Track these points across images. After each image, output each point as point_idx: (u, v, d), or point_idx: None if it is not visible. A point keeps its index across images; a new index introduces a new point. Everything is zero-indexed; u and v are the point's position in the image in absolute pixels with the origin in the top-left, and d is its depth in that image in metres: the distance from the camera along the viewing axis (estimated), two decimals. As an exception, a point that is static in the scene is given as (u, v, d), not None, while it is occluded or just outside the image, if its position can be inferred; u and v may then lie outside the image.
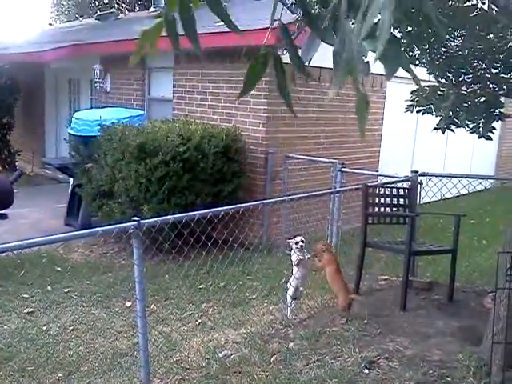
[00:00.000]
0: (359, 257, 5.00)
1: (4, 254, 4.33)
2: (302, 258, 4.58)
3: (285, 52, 1.64)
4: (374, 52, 1.29)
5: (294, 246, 4.69)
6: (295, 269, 4.63)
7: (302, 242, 4.67)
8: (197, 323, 4.74)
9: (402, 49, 1.38)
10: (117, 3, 22.22)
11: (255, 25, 6.62)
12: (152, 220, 3.63)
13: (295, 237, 4.76)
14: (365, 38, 1.29)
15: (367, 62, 1.40)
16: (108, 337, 4.49)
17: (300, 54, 1.61)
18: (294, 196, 5.25)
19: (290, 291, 4.62)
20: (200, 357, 4.03)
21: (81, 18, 19.33)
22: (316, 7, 2.92)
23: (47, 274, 5.83)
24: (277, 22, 1.61)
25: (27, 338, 4.41)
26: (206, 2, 1.55)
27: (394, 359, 3.68)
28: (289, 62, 1.63)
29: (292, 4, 3.75)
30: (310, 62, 1.60)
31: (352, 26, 1.38)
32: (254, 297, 5.31)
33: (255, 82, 1.62)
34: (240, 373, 3.71)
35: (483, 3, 3.96)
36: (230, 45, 7.11)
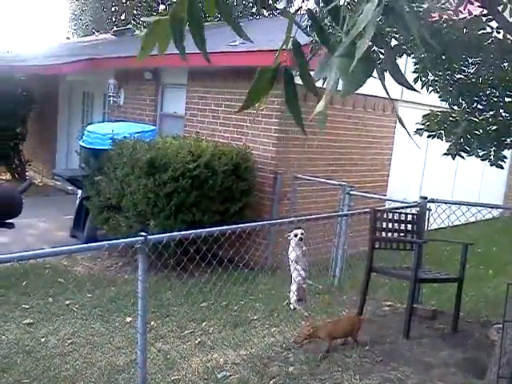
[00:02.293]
0: (364, 282, 4.94)
1: (8, 264, 4.31)
2: (300, 253, 4.49)
3: (297, 72, 1.63)
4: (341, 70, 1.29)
5: (293, 239, 4.61)
6: (293, 266, 4.55)
7: (302, 234, 4.57)
8: (196, 342, 4.67)
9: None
10: (133, 19, 22.54)
11: (271, 45, 6.68)
12: (159, 236, 3.60)
13: (295, 230, 4.69)
14: (341, 56, 1.29)
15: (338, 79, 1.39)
16: (106, 352, 4.43)
17: (313, 74, 1.60)
18: (301, 218, 5.22)
19: (294, 288, 4.58)
20: (198, 377, 3.97)
21: (97, 33, 19.62)
22: (329, 27, 2.92)
23: (50, 285, 5.81)
24: (291, 39, 1.60)
25: (25, 350, 4.36)
26: (218, 11, 1.55)
27: (395, 389, 3.60)
28: (301, 82, 1.62)
29: (307, 27, 3.77)
30: (324, 81, 1.58)
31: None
32: (255, 317, 5.24)
33: (260, 97, 1.59)
34: (238, 395, 3.65)
35: (498, 32, 3.97)
36: (244, 64, 7.18)
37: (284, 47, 1.56)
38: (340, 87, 1.34)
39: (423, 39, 1.45)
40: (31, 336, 4.66)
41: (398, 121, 1.46)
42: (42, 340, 4.60)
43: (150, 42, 1.53)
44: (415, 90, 1.46)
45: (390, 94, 1.37)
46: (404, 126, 1.46)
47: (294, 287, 4.57)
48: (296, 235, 4.57)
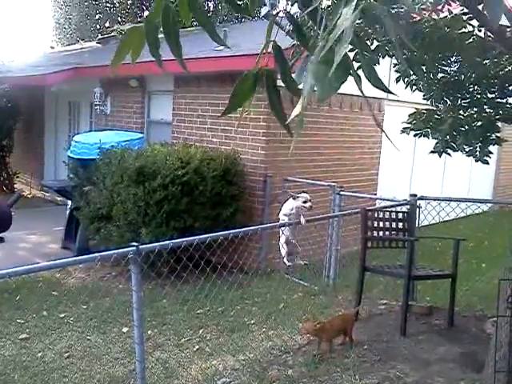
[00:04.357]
0: (358, 282, 4.96)
1: (1, 280, 4.28)
2: (294, 216, 4.32)
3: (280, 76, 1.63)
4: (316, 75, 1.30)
5: (300, 205, 4.28)
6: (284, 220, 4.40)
7: (311, 202, 4.32)
8: (194, 349, 4.67)
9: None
10: (118, 28, 22.45)
11: (256, 49, 6.70)
12: (151, 245, 3.60)
13: (300, 193, 4.43)
14: (321, 62, 1.30)
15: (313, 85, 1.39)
16: (104, 363, 4.41)
17: (295, 76, 1.60)
18: (293, 221, 5.23)
19: (282, 241, 4.52)
20: (198, 384, 3.97)
21: (82, 42, 19.53)
22: (311, 30, 2.94)
23: (43, 298, 5.76)
24: (271, 43, 1.61)
25: (22, 366, 4.33)
26: (194, 18, 1.55)
27: (394, 387, 3.62)
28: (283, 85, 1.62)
29: (289, 30, 3.79)
30: (300, 85, 1.58)
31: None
32: (252, 322, 5.25)
33: (243, 101, 1.59)
34: (238, 401, 3.65)
35: (479, 30, 4.02)
36: (229, 68, 7.18)
37: (264, 51, 1.56)
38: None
39: (401, 42, 1.46)
40: (27, 351, 4.62)
41: (375, 122, 1.46)
42: (39, 355, 4.56)
43: (124, 49, 1.53)
44: (392, 92, 1.47)
45: (365, 95, 1.37)
46: (381, 129, 1.47)
47: (282, 240, 4.52)
48: (305, 202, 4.23)
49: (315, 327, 4.16)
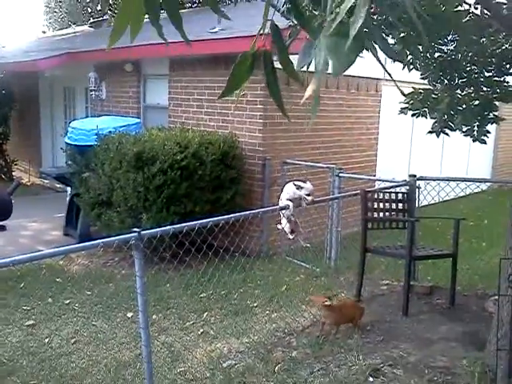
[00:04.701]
0: (360, 263, 5.01)
1: (5, 268, 4.30)
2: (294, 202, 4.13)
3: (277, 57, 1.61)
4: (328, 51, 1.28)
5: (303, 196, 4.05)
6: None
7: (313, 195, 4.11)
8: (199, 333, 4.72)
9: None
10: (110, 10, 22.19)
11: (252, 31, 6.64)
12: (153, 231, 3.61)
13: (303, 183, 4.15)
14: (332, 35, 1.28)
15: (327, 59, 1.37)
16: (110, 348, 4.46)
17: (297, 61, 1.59)
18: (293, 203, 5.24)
19: (284, 222, 4.23)
20: (204, 367, 4.02)
21: (74, 26, 19.31)
22: (308, 10, 2.91)
23: (48, 285, 5.79)
24: (269, 22, 1.58)
25: (29, 352, 4.38)
26: None
27: (398, 366, 3.69)
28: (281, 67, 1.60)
29: (284, 11, 3.75)
30: (308, 67, 1.57)
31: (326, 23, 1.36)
32: (255, 305, 5.30)
33: (241, 84, 1.56)
34: (245, 383, 3.71)
35: (476, 8, 3.99)
36: (224, 51, 7.13)
37: (262, 32, 1.52)
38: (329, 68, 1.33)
39: (419, 15, 1.43)
40: (34, 337, 4.67)
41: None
42: (46, 341, 4.61)
43: (123, 21, 1.37)
44: (402, 61, 1.47)
45: (364, 75, 1.36)
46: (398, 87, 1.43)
47: (284, 221, 4.42)
48: (309, 195, 4.04)
49: (324, 303, 4.18)
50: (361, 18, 1.18)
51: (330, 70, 1.31)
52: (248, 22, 7.24)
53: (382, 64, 1.35)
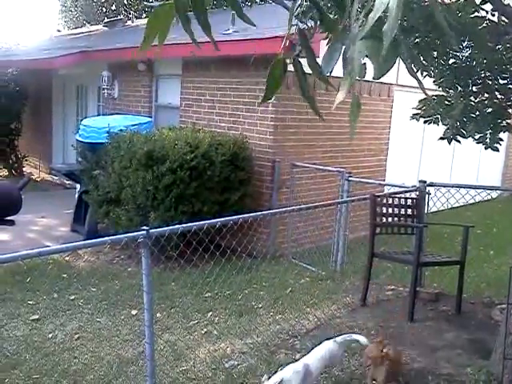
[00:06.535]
0: (367, 268, 4.98)
1: (13, 263, 4.33)
2: None
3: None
4: (368, 53, 1.28)
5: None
6: None
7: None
8: (203, 332, 4.71)
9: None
10: (124, 10, 22.34)
11: (265, 33, 6.65)
12: (161, 229, 3.61)
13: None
14: (364, 38, 1.28)
15: (364, 64, 1.38)
16: (114, 345, 4.46)
17: (322, 65, 1.60)
18: (302, 206, 5.24)
19: None
20: (206, 367, 4.01)
21: (89, 25, 19.44)
22: (332, 13, 2.91)
23: (54, 280, 5.82)
24: (294, 27, 1.61)
25: (33, 346, 4.40)
26: None
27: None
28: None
29: (299, 14, 3.74)
30: (331, 72, 1.59)
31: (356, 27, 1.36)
32: (260, 306, 5.29)
33: (277, 86, 1.62)
34: (246, 384, 3.69)
35: (493, 15, 3.96)
36: (237, 53, 7.14)
37: (286, 34, 1.57)
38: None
39: (449, 24, 1.43)
40: (38, 332, 4.69)
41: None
42: (50, 336, 4.63)
43: (153, 30, 1.49)
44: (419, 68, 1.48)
45: (418, 78, 1.36)
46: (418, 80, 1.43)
47: None
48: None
49: (382, 356, 3.32)
50: (394, 26, 1.18)
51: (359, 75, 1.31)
52: (262, 25, 7.26)
53: (412, 70, 1.36)
